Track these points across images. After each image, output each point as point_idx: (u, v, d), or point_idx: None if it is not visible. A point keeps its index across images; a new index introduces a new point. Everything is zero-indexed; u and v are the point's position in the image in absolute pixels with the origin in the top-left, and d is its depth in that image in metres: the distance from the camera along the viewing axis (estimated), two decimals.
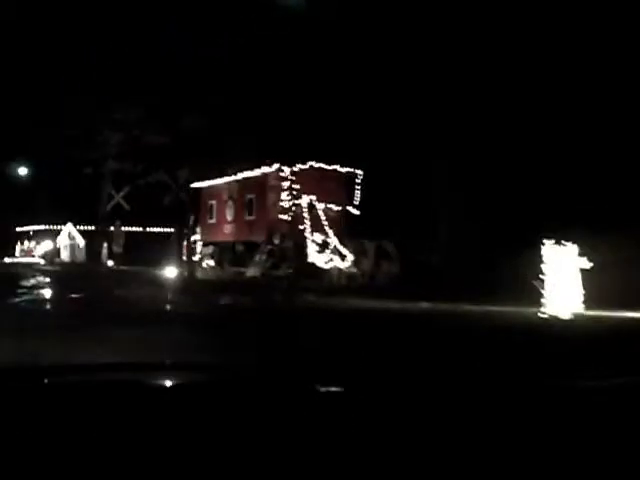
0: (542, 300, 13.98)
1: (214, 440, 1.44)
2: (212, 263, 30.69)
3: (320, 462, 1.38)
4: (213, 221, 31.29)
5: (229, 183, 29.51)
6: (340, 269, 23.74)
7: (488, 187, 21.24)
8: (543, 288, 14.09)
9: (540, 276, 14.32)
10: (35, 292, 18.47)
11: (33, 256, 41.80)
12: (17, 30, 26.43)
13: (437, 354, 8.39)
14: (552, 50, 19.62)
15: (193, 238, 28.61)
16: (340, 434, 1.51)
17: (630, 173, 18.47)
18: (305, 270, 23.11)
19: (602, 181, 18.75)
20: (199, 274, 25.65)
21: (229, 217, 29.99)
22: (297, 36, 24.68)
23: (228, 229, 30.17)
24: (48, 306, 15.22)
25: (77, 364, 3.44)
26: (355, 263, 23.33)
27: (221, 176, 29.18)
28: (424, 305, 15.29)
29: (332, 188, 26.16)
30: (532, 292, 14.43)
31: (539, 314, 13.53)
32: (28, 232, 46.56)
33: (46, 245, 41.05)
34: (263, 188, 26.91)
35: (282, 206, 25.87)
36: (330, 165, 26.43)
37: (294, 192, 25.61)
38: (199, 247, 30.72)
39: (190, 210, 26.90)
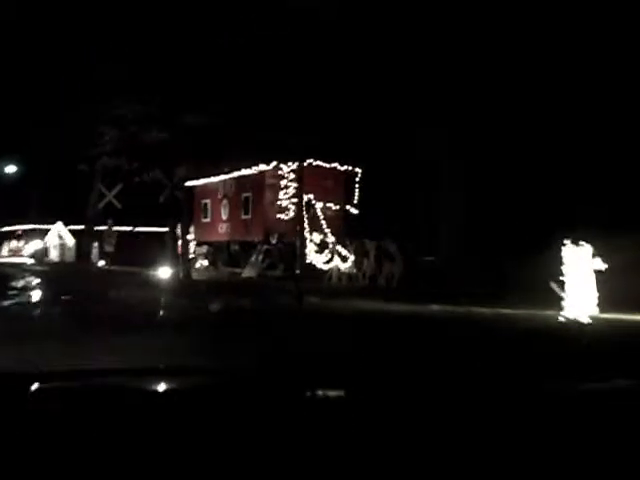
0: (560, 302, 13.42)
1: (212, 446, 1.42)
2: (206, 263, 30.02)
3: (320, 466, 1.37)
4: (207, 220, 30.62)
5: (224, 181, 28.85)
6: (340, 270, 23.09)
7: (496, 185, 20.69)
8: (561, 290, 13.52)
9: (557, 277, 13.82)
10: (26, 294, 17.75)
11: (22, 255, 40.96)
12: (13, 25, 25.92)
13: (457, 360, 7.89)
14: (568, 48, 19.07)
15: (185, 238, 27.86)
16: (340, 439, 1.51)
17: None
18: (304, 271, 22.42)
19: (615, 181, 18.22)
20: (194, 275, 24.92)
21: (224, 216, 29.35)
22: (297, 34, 24.23)
23: (223, 228, 29.53)
24: (40, 310, 14.50)
25: (72, 369, 3.28)
26: (356, 264, 22.67)
27: (216, 174, 28.51)
28: (434, 307, 14.69)
29: (331, 187, 25.57)
30: (547, 294, 13.93)
31: (558, 317, 12.95)
32: (16, 231, 45.76)
33: (35, 244, 40.20)
34: (260, 186, 26.26)
35: (280, 205, 25.20)
36: (329, 163, 25.80)
37: (292, 191, 24.94)
38: (192, 247, 30.02)
39: (186, 208, 26.21)
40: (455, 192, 22.63)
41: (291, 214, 24.82)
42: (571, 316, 12.91)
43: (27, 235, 43.21)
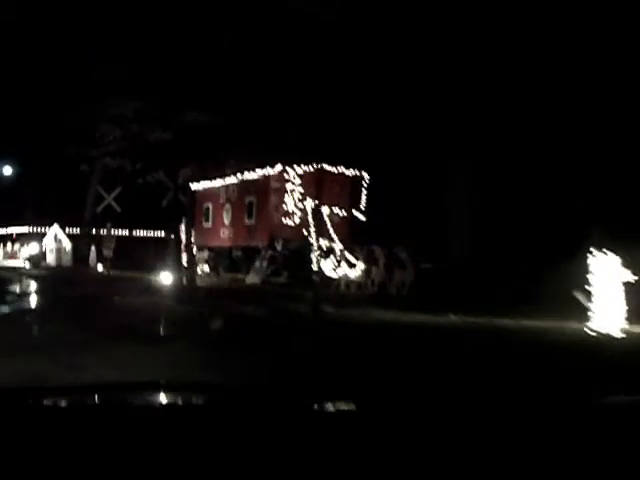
0: (586, 314, 12.85)
1: (217, 461, 1.38)
2: (207, 269, 29.35)
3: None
4: (208, 225, 29.98)
5: (227, 185, 28.22)
6: (348, 277, 22.46)
7: (509, 188, 20.17)
8: (587, 301, 12.95)
9: (582, 288, 13.26)
10: (25, 300, 17.16)
11: (17, 259, 40.22)
12: (15, 23, 25.42)
13: (490, 375, 7.40)
14: (587, 49, 18.58)
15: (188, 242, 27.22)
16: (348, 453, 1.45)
17: None
18: (311, 278, 21.78)
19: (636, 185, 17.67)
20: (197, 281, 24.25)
21: (226, 221, 28.72)
22: (302, 35, 23.82)
23: (225, 233, 28.90)
24: (41, 318, 13.89)
25: (73, 384, 3.39)
26: (365, 271, 22.05)
27: (219, 177, 27.88)
28: (453, 318, 14.11)
29: (338, 191, 24.95)
30: (571, 305, 13.38)
31: (586, 330, 12.37)
32: (11, 234, 45.08)
33: (31, 248, 39.44)
34: (265, 190, 25.64)
35: (285, 210, 24.56)
36: (335, 167, 25.20)
37: (298, 195, 24.32)
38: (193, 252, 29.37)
39: (189, 212, 25.59)
40: (465, 196, 22.12)
41: (297, 219, 24.19)
42: (600, 329, 12.35)
43: (23, 238, 42.49)
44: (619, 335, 12.02)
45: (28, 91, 26.32)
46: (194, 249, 25.95)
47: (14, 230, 44.02)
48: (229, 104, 23.79)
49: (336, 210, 24.71)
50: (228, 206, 28.49)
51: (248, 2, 23.76)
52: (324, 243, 23.41)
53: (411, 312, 15.02)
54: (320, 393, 2.34)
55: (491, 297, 16.13)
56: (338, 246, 23.22)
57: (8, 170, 40.54)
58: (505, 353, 9.75)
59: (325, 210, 24.20)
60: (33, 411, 1.75)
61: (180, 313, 14.70)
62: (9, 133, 29.91)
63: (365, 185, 25.86)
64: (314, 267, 22.69)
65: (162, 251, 27.52)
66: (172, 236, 25.39)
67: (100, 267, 31.69)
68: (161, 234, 35.96)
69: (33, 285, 24.23)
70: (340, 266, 22.66)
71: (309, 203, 23.98)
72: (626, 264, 12.98)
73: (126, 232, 37.24)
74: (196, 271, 24.69)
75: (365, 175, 25.88)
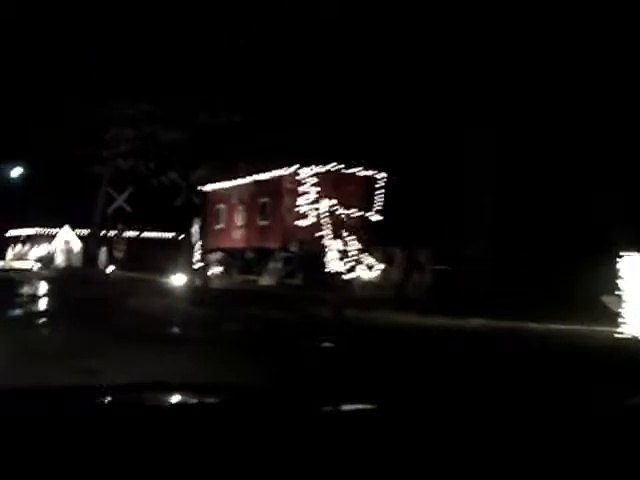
0: (615, 318, 12.50)
1: (228, 462, 1.39)
2: (218, 270, 29.05)
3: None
4: (221, 226, 29.71)
5: (239, 186, 27.92)
6: (364, 279, 22.13)
7: (531, 187, 19.81)
8: (616, 305, 12.60)
9: (607, 291, 12.94)
10: (38, 302, 16.91)
11: (27, 260, 40.02)
12: (18, 23, 25.28)
13: (522, 379, 7.08)
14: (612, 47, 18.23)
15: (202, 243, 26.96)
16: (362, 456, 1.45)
17: None
18: (327, 280, 21.47)
19: None
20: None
21: (239, 222, 28.45)
22: (315, 34, 23.61)
23: (237, 235, 28.63)
24: (56, 320, 13.59)
25: (86, 385, 3.30)
26: (381, 273, 21.72)
27: (231, 178, 27.61)
28: (476, 322, 13.77)
29: (353, 192, 24.66)
30: (598, 308, 13.05)
31: (616, 334, 12.03)
32: (20, 236, 44.93)
33: (41, 249, 39.25)
34: (279, 191, 25.37)
35: (299, 211, 24.25)
36: (350, 168, 24.89)
37: (312, 196, 24.01)
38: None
39: (202, 213, 25.35)
40: (484, 196, 21.77)
41: (311, 220, 23.88)
42: (632, 334, 12.00)
43: (32, 240, 42.33)
44: None
45: (38, 92, 26.18)
46: (206, 250, 25.66)
47: (24, 232, 43.90)
48: (242, 105, 23.59)
49: (351, 211, 24.38)
50: (241, 207, 28.22)
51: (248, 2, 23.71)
52: (339, 244, 23.11)
53: (432, 315, 14.70)
54: (346, 397, 2.23)
55: (509, 300, 15.77)
56: (354, 247, 22.90)
57: (18, 171, 40.33)
58: (530, 356, 9.44)
59: (340, 211, 23.90)
60: (43, 412, 1.73)
61: (200, 316, 14.38)
62: (19, 134, 29.71)
63: (381, 185, 25.53)
64: (329, 269, 22.41)
65: (173, 252, 27.23)
66: (184, 237, 25.13)
67: (111, 268, 31.46)
68: (172, 235, 35.70)
69: (44, 287, 23.99)
70: (356, 268, 22.33)
71: (323, 204, 23.70)
72: None
73: (137, 233, 36.98)
74: (208, 272, 24.39)
75: (381, 175, 25.55)
